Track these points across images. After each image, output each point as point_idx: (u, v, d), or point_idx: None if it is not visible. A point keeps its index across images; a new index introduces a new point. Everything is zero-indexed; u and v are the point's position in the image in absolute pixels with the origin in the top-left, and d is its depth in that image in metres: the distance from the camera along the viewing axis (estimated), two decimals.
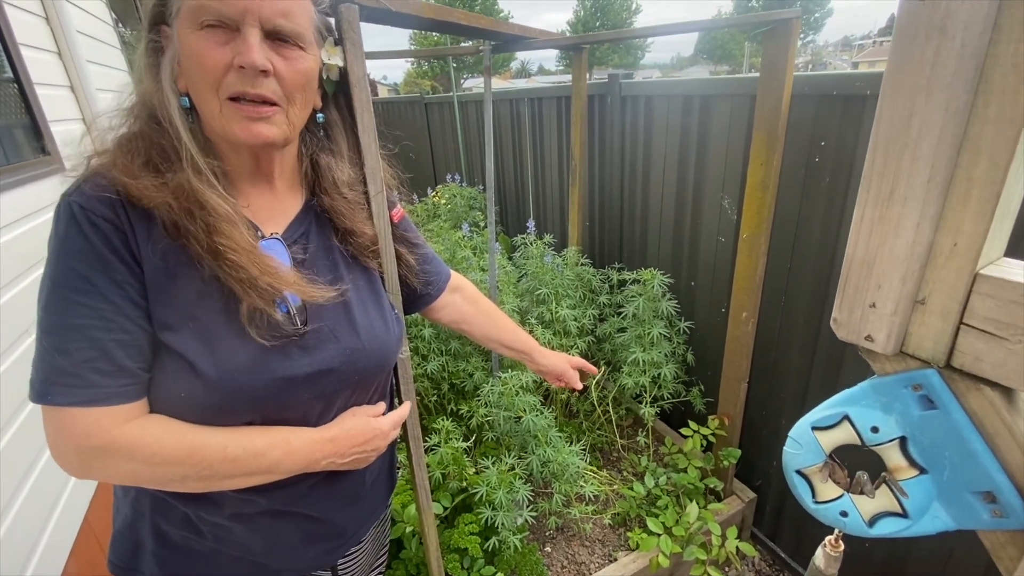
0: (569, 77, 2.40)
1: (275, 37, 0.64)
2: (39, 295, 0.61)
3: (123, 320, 0.61)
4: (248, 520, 0.76)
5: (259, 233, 0.71)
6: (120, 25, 3.31)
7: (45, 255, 0.62)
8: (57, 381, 0.59)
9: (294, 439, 0.71)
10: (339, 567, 0.95)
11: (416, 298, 1.01)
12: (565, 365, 1.18)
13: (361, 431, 0.78)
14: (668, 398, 2.14)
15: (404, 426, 1.11)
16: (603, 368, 2.37)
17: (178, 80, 0.65)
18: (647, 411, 2.07)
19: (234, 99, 0.63)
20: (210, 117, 0.64)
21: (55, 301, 0.60)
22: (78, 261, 0.60)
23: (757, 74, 1.55)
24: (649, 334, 2.05)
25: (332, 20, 0.76)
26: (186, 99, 0.65)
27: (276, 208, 0.75)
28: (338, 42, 0.76)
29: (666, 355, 2.09)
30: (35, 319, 0.61)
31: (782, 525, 2.00)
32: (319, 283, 0.72)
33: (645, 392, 2.09)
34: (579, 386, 1.21)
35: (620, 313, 2.21)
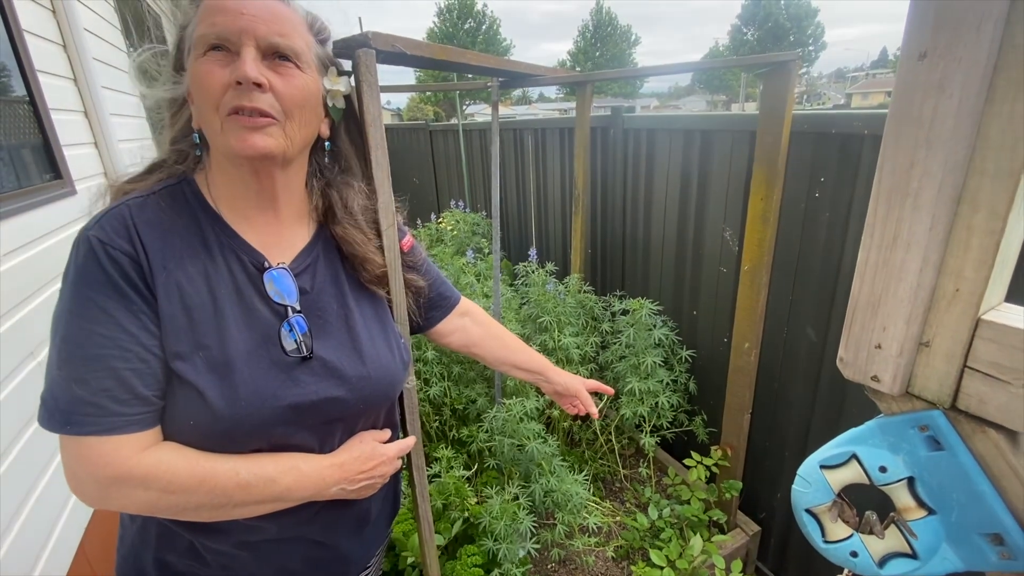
0: (568, 104, 2.48)
1: (273, 56, 0.67)
2: (55, 326, 0.62)
3: (140, 349, 0.62)
4: (254, 547, 0.76)
5: (265, 264, 0.73)
6: (133, 51, 3.39)
7: (60, 284, 0.64)
8: (75, 410, 0.60)
9: (304, 465, 0.72)
10: None
11: (423, 320, 1.02)
12: (580, 386, 1.14)
13: (369, 456, 0.79)
14: (668, 427, 2.13)
15: (408, 456, 1.11)
16: (605, 397, 2.36)
17: (192, 118, 0.70)
18: (647, 441, 2.06)
19: (234, 113, 0.65)
20: (213, 136, 0.67)
21: (73, 331, 0.61)
22: (96, 292, 0.61)
23: (756, 111, 1.59)
24: (644, 363, 2.05)
25: (333, 52, 0.80)
26: (197, 135, 0.69)
27: (283, 237, 0.77)
28: (341, 72, 0.79)
29: (666, 384, 2.09)
30: (48, 349, 0.62)
31: (787, 560, 1.97)
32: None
33: (644, 421, 2.08)
34: (595, 412, 1.14)
35: (620, 341, 2.22)
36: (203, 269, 0.68)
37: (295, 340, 0.71)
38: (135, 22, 3.47)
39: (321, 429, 0.75)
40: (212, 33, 0.63)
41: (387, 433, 0.86)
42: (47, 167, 1.93)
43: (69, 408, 0.60)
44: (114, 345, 0.61)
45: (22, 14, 1.80)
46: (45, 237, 1.68)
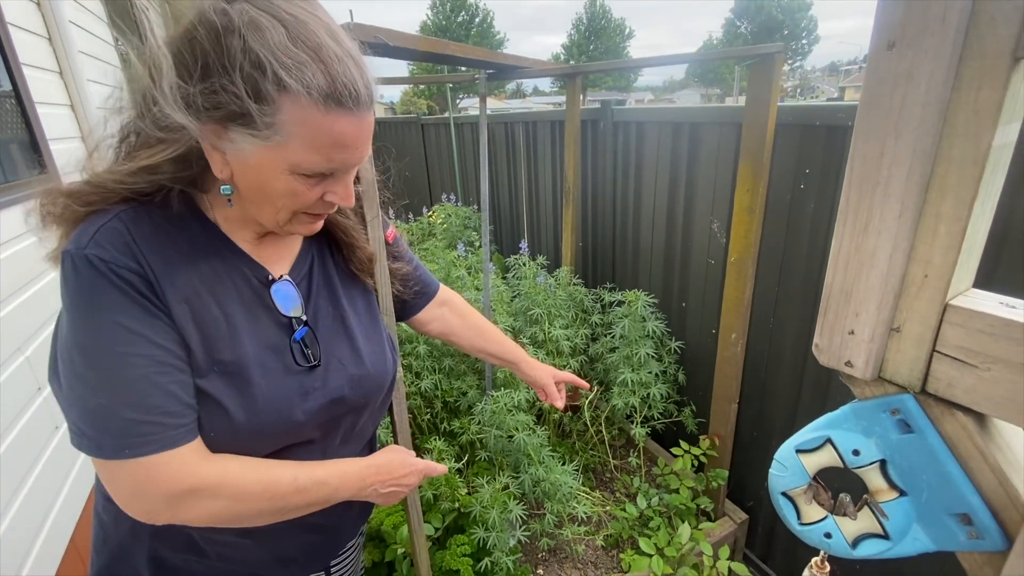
0: (563, 98, 2.46)
1: None
2: (71, 356, 0.59)
3: (176, 361, 0.62)
4: (257, 534, 0.77)
5: (269, 277, 0.73)
6: (119, 44, 3.35)
7: (59, 300, 0.60)
8: (131, 433, 0.59)
9: (347, 467, 0.76)
10: (332, 569, 0.96)
11: (404, 309, 1.06)
12: (548, 379, 1.15)
13: (400, 464, 0.83)
14: (659, 418, 2.16)
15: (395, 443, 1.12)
16: (596, 388, 2.38)
17: (220, 169, 0.62)
18: (638, 431, 2.08)
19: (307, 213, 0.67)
20: (270, 221, 0.67)
21: (103, 358, 0.58)
22: (117, 314, 0.59)
23: (743, 103, 1.60)
24: (636, 354, 2.07)
25: None
26: (228, 187, 0.65)
27: (280, 247, 0.77)
28: None
29: (656, 375, 2.11)
30: (64, 378, 0.59)
31: (774, 547, 2.00)
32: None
33: (636, 412, 2.11)
34: (560, 404, 1.16)
35: (611, 333, 2.24)
36: (208, 283, 0.67)
37: (304, 349, 0.73)
38: (121, 15, 3.43)
39: (326, 426, 0.77)
40: (327, 168, 0.62)
41: (413, 453, 0.90)
42: (33, 161, 1.91)
43: (122, 432, 0.58)
44: (153, 362, 0.60)
45: (6, 6, 1.78)
46: (32, 232, 1.67)
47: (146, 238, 0.62)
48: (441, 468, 0.92)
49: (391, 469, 0.81)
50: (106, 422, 0.58)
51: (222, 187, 0.65)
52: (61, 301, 0.61)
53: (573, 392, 2.43)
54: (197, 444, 0.63)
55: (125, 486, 0.61)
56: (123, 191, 0.63)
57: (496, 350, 1.15)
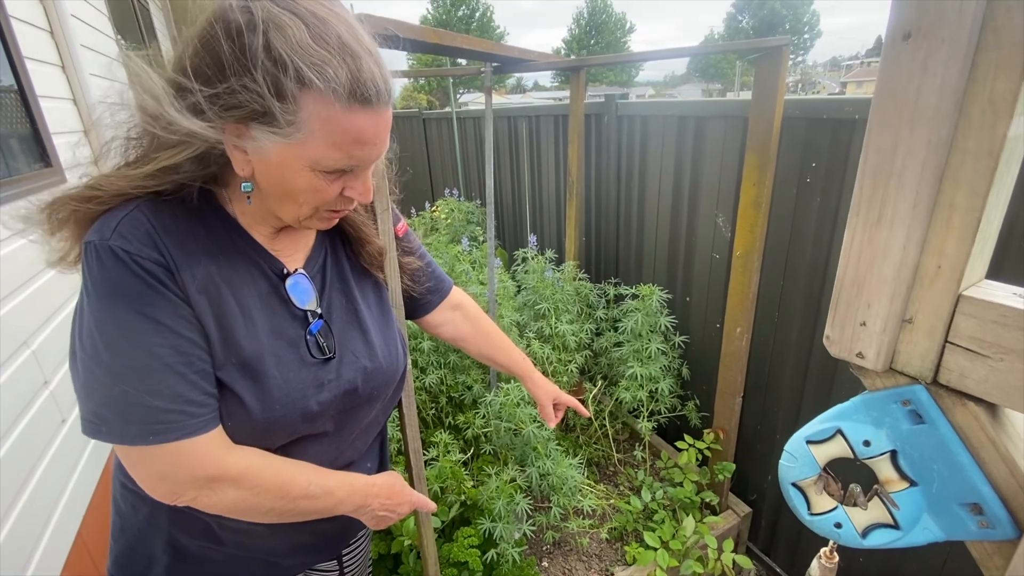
0: (564, 93, 2.46)
1: None
2: (93, 345, 0.59)
3: (199, 351, 0.63)
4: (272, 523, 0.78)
5: (284, 271, 0.74)
6: (120, 38, 3.34)
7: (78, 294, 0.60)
8: (156, 420, 0.60)
9: (354, 481, 0.77)
10: (344, 558, 0.98)
11: (416, 306, 1.06)
12: (547, 400, 1.16)
13: (399, 491, 0.84)
14: (664, 412, 2.16)
15: (404, 440, 1.13)
16: (600, 382, 2.39)
17: (242, 167, 0.63)
18: (644, 425, 2.08)
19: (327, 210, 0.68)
20: (291, 217, 0.67)
21: (128, 347, 0.59)
22: (141, 304, 0.59)
23: (750, 96, 1.60)
24: (647, 349, 2.07)
25: None
26: (249, 184, 0.65)
27: (299, 240, 0.78)
28: None
29: (663, 370, 2.12)
30: (81, 365, 0.60)
31: (777, 540, 2.01)
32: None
33: (642, 406, 2.11)
34: (552, 424, 1.18)
35: (616, 328, 2.24)
36: (226, 275, 0.67)
37: (319, 342, 0.74)
38: (123, 9, 3.42)
39: (340, 418, 0.78)
40: (347, 164, 0.62)
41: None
42: (37, 155, 1.91)
43: (147, 419, 0.59)
44: (176, 352, 0.61)
45: (8, 0, 1.77)
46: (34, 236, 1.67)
47: (167, 229, 0.63)
48: (432, 506, 0.93)
49: (391, 493, 0.82)
50: (130, 409, 0.59)
51: (243, 184, 0.65)
52: (83, 290, 0.61)
53: (577, 389, 2.44)
54: (220, 432, 0.65)
55: (151, 470, 0.63)
56: (140, 194, 0.63)
57: (504, 360, 1.16)
